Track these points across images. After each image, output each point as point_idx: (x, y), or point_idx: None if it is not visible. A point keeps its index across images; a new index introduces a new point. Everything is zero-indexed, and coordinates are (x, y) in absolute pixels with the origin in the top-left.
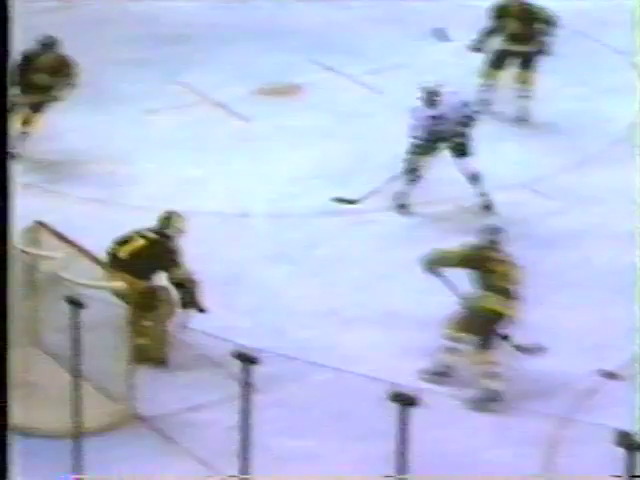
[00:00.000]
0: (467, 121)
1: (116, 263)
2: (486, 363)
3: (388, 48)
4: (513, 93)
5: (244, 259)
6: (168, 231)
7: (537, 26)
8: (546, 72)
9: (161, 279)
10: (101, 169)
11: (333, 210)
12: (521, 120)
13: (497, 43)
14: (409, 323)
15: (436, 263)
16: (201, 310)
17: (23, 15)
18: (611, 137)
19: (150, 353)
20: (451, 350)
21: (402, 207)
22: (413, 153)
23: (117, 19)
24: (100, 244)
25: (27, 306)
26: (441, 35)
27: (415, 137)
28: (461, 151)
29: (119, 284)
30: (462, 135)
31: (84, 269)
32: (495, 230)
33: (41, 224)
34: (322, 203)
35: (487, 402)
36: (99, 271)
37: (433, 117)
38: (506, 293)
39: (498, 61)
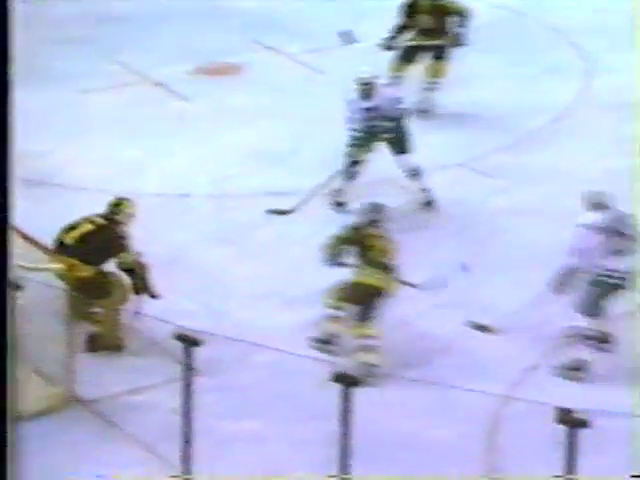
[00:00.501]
0: (400, 115)
1: (63, 249)
2: (363, 336)
3: (329, 27)
4: (422, 85)
5: (185, 241)
6: (117, 217)
7: (449, 19)
8: (487, 52)
9: (111, 265)
10: (38, 149)
11: (275, 191)
12: (424, 112)
13: (408, 39)
14: None
15: (328, 252)
16: (153, 296)
17: None
18: (551, 115)
19: (105, 340)
20: (333, 318)
21: (339, 205)
22: (352, 146)
23: None
24: (37, 226)
25: None
26: (347, 38)
27: (354, 130)
28: (399, 147)
29: (58, 266)
30: (398, 129)
31: (22, 252)
32: (375, 208)
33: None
34: (263, 183)
35: (364, 375)
36: (38, 254)
37: (368, 109)
38: (384, 267)
39: (408, 55)
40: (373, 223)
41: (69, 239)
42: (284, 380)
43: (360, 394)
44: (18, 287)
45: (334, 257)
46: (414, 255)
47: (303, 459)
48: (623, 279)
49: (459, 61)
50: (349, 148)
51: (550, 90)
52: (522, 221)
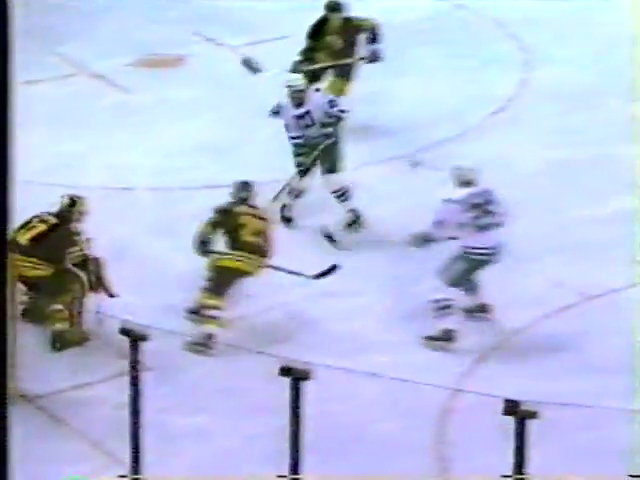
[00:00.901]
0: (334, 120)
1: (18, 249)
2: (207, 306)
3: (270, 19)
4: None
5: (128, 234)
6: (71, 215)
7: (360, 37)
8: (427, 44)
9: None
10: None
11: (216, 184)
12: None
13: (318, 59)
14: None
15: (197, 240)
16: (111, 295)
17: None
18: (493, 107)
19: (70, 336)
20: (206, 318)
21: (288, 220)
22: (298, 155)
23: None
24: None
25: None
26: (250, 66)
27: (293, 138)
28: (329, 163)
29: None
30: (332, 140)
31: None
32: (244, 186)
33: None
34: (205, 176)
35: (199, 345)
36: None
37: (300, 117)
38: (253, 248)
39: (314, 74)
40: (243, 202)
41: (24, 240)
42: (232, 375)
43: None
44: None
45: (204, 245)
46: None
47: (252, 453)
48: (489, 254)
49: (396, 53)
50: (296, 158)
51: (491, 82)
52: None
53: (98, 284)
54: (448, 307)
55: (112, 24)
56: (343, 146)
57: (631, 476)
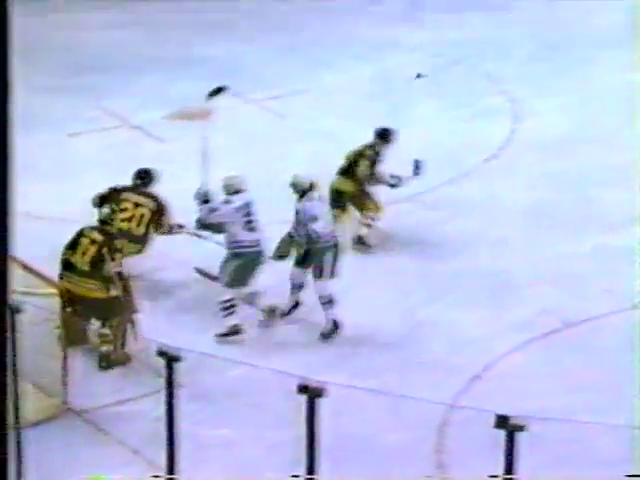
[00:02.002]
0: (314, 239)
1: (76, 272)
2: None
3: (288, 75)
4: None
5: (161, 265)
6: (110, 227)
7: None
8: (427, 97)
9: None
10: (31, 189)
11: None
12: (361, 244)
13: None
14: None
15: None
16: (134, 310)
17: None
18: (485, 154)
19: (115, 357)
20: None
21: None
22: (283, 240)
23: (45, 48)
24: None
25: None
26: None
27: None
28: (319, 269)
29: (52, 291)
30: (317, 245)
31: (20, 278)
32: (144, 173)
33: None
34: None
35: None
36: (33, 279)
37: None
38: (133, 237)
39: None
40: (134, 187)
41: (82, 263)
42: (255, 391)
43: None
44: (18, 310)
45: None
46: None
47: (272, 461)
48: (253, 247)
49: (400, 105)
50: (280, 242)
51: (483, 131)
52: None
53: (127, 299)
54: (233, 306)
55: (148, 81)
56: (337, 256)
57: (628, 476)
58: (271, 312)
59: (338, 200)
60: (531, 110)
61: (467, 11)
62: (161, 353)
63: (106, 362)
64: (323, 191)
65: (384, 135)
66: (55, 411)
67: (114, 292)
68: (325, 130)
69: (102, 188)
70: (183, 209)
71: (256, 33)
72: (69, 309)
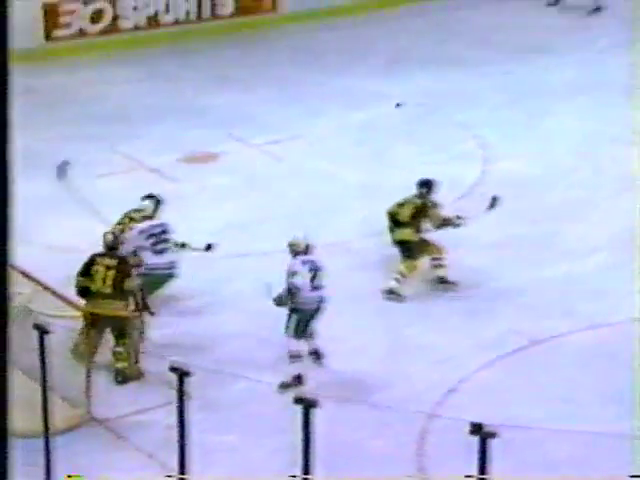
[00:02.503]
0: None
1: (101, 296)
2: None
3: (286, 122)
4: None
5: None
6: (118, 251)
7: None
8: (405, 142)
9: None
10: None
11: (245, 252)
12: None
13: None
14: None
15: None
16: (152, 313)
17: None
18: (458, 193)
19: (129, 373)
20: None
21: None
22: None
23: (73, 100)
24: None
25: None
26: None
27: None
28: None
29: (76, 313)
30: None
31: (49, 302)
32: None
33: (10, 266)
34: (236, 247)
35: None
36: (59, 302)
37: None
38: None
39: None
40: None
41: (102, 288)
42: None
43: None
44: (46, 332)
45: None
46: None
47: (272, 464)
48: (165, 269)
49: (385, 149)
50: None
51: (457, 173)
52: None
53: (142, 305)
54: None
55: (162, 128)
56: (314, 318)
57: (632, 476)
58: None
59: (406, 250)
60: (500, 154)
61: (443, 65)
62: (173, 369)
63: (122, 377)
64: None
65: (428, 184)
66: (80, 420)
67: (132, 307)
68: (319, 171)
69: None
70: (193, 240)
71: (256, 85)
72: (92, 329)
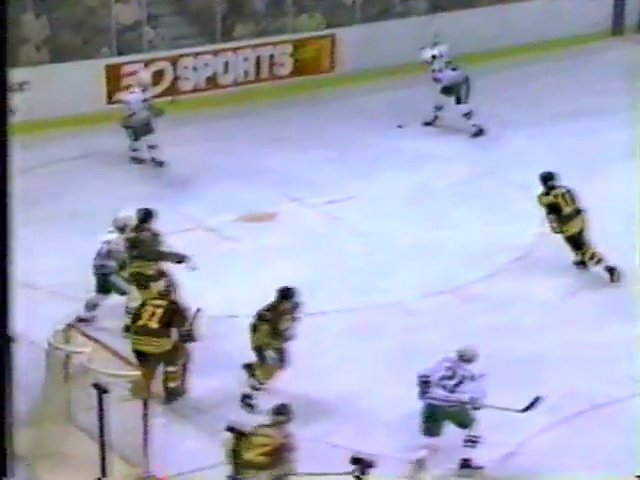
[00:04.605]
0: None
1: (147, 332)
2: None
3: (342, 183)
4: None
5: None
6: (170, 293)
7: None
8: (464, 204)
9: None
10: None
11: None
12: None
13: None
14: None
15: None
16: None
17: None
18: (517, 253)
19: (177, 391)
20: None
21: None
22: None
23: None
24: None
25: (62, 391)
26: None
27: None
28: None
29: (136, 374)
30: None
31: (107, 360)
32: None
33: (71, 326)
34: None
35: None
36: (118, 362)
37: None
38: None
39: None
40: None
41: (149, 324)
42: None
43: None
44: (105, 391)
45: None
46: None
47: None
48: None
49: (445, 212)
50: None
51: (515, 232)
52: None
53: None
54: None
55: (221, 188)
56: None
57: (637, 476)
58: None
59: None
60: None
61: (497, 128)
62: (230, 429)
63: (173, 394)
64: None
65: None
66: (138, 479)
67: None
68: (374, 232)
69: (185, 282)
70: (252, 300)
71: (313, 145)
72: (145, 367)
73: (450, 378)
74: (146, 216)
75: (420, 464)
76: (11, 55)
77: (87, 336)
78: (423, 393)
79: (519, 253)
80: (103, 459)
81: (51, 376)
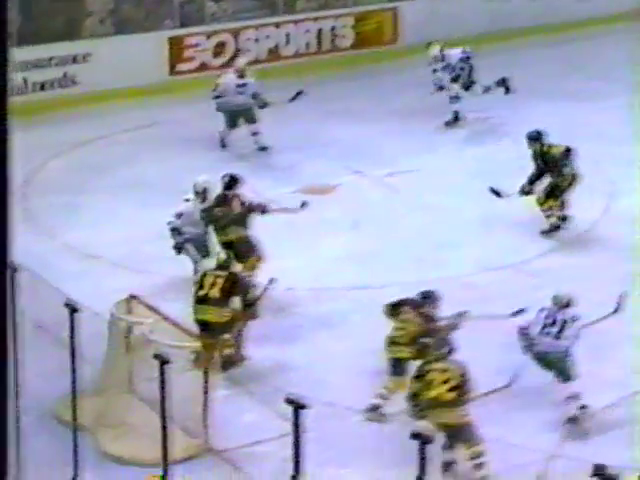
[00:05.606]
0: None
1: (208, 302)
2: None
3: (404, 155)
4: None
5: (292, 325)
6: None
7: None
8: (523, 176)
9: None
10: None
11: (361, 285)
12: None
13: None
14: None
15: None
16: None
17: None
18: (582, 227)
19: (234, 359)
20: None
21: None
22: None
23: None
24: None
25: (124, 362)
26: (495, 192)
27: None
28: None
29: (196, 345)
30: None
31: (168, 331)
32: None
33: (133, 297)
34: (353, 278)
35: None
36: (179, 333)
37: None
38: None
39: None
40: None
41: (210, 293)
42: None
43: None
44: (166, 362)
45: None
46: None
47: None
48: None
49: (509, 186)
50: None
51: (580, 208)
52: None
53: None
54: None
55: (282, 160)
56: None
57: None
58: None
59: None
60: (622, 189)
61: (564, 98)
62: (289, 401)
63: (228, 363)
64: None
65: None
66: (198, 451)
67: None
68: (435, 205)
69: None
70: (310, 271)
71: (376, 117)
72: (207, 337)
73: (552, 325)
74: (232, 182)
75: None
76: (75, 27)
77: (149, 307)
78: (526, 347)
79: (584, 227)
80: (164, 430)
81: (113, 347)
